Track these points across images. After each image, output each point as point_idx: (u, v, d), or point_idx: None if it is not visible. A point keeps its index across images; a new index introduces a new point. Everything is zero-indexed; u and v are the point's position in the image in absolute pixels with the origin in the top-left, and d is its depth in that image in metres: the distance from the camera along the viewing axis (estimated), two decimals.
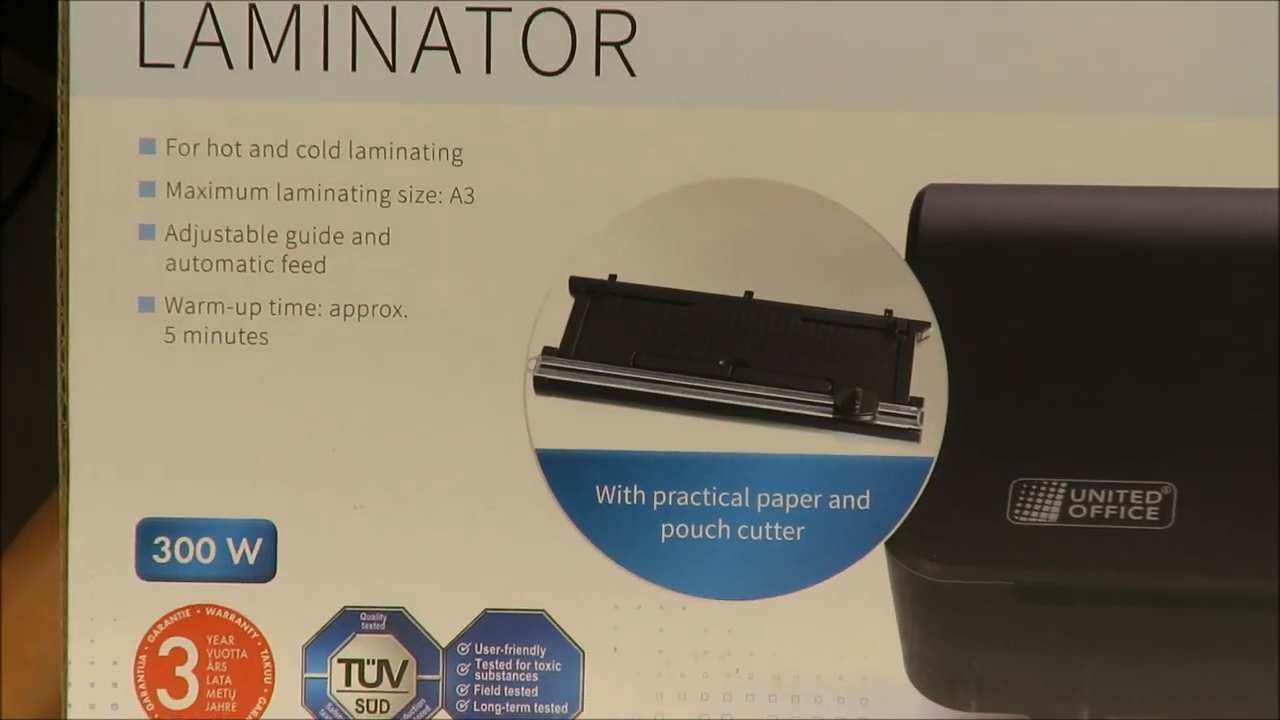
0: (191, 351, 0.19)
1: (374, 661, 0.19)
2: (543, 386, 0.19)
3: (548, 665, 0.19)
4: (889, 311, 0.19)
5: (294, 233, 0.19)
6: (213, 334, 0.19)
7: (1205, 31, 0.18)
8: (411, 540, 0.19)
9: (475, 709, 0.19)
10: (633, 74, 0.19)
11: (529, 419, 0.19)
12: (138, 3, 0.18)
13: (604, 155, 0.19)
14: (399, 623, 0.19)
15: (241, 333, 0.19)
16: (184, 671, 0.19)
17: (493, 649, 0.19)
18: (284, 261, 0.19)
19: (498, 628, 0.19)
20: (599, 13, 0.19)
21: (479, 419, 0.19)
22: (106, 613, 0.19)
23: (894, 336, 0.19)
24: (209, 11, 0.19)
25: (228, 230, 0.19)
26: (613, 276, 0.19)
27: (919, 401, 0.19)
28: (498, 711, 0.19)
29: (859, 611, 0.19)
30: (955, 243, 0.19)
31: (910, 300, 0.19)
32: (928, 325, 0.19)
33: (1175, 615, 0.19)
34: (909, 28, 0.18)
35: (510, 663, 0.19)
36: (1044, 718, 0.19)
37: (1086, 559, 0.19)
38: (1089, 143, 0.19)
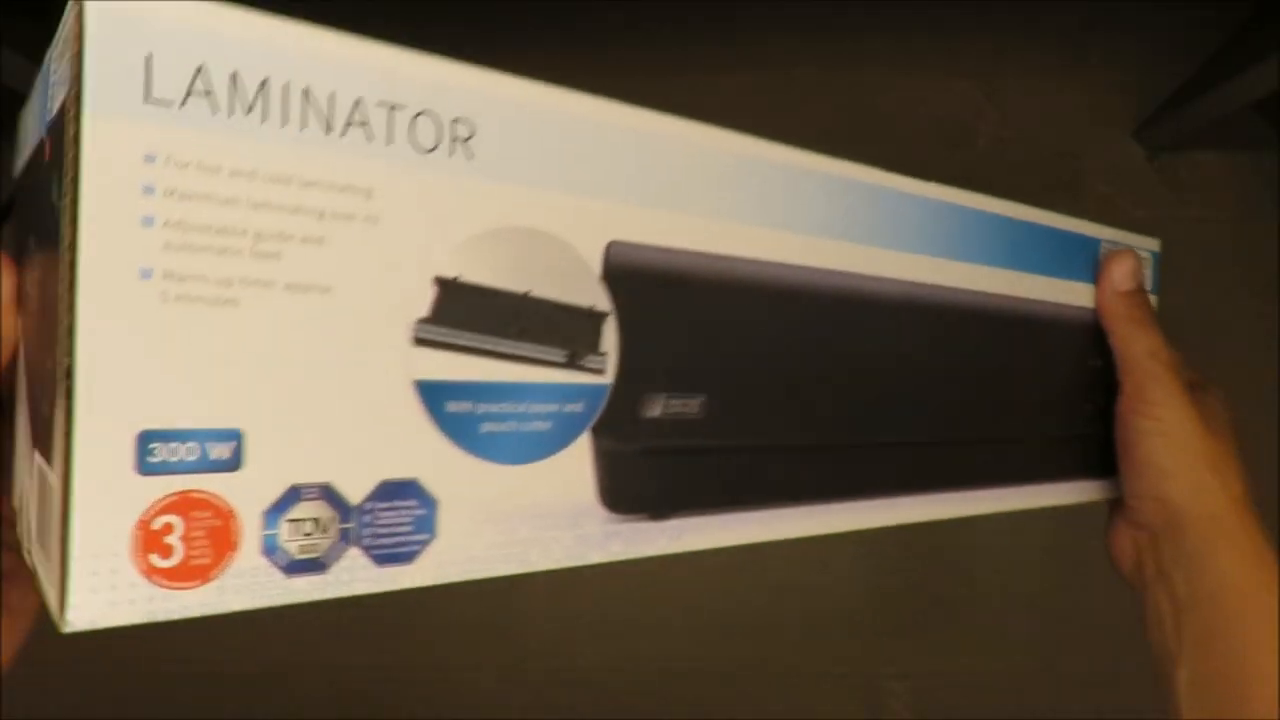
0: (180, 309, 0.26)
1: (310, 519, 0.29)
2: (418, 341, 0.31)
3: (418, 512, 0.31)
4: (592, 305, 0.35)
5: (259, 233, 0.28)
6: (195, 297, 0.27)
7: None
8: (336, 439, 0.29)
9: (374, 543, 0.30)
10: (472, 158, 0.32)
11: (410, 360, 0.30)
12: (144, 54, 0.25)
13: (457, 204, 0.31)
14: (328, 492, 0.29)
15: (218, 298, 0.27)
16: (172, 539, 0.26)
17: (384, 505, 0.30)
18: (251, 251, 0.27)
19: (389, 490, 0.30)
20: (452, 120, 0.31)
21: (381, 360, 0.30)
22: (110, 500, 0.25)
23: (593, 319, 0.35)
24: (200, 71, 0.26)
25: (210, 227, 0.27)
26: (457, 277, 0.31)
27: (604, 355, 0.35)
28: (386, 542, 0.30)
29: (576, 467, 0.35)
30: (623, 271, 0.36)
31: (603, 300, 0.35)
32: (609, 313, 0.35)
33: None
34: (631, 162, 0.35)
35: (395, 512, 0.30)
36: (662, 514, 0.37)
37: (666, 435, 0.37)
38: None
